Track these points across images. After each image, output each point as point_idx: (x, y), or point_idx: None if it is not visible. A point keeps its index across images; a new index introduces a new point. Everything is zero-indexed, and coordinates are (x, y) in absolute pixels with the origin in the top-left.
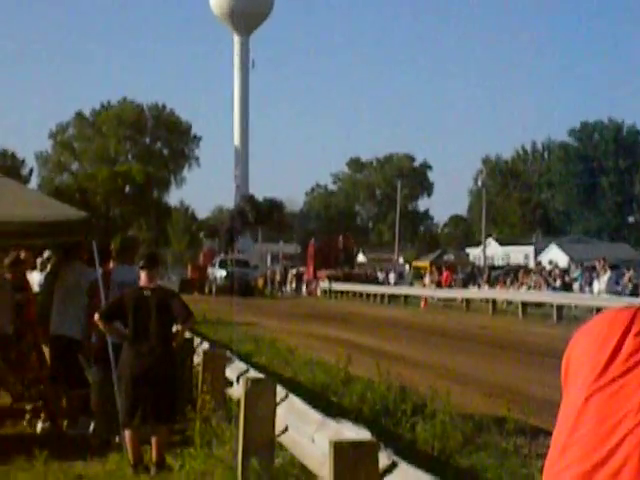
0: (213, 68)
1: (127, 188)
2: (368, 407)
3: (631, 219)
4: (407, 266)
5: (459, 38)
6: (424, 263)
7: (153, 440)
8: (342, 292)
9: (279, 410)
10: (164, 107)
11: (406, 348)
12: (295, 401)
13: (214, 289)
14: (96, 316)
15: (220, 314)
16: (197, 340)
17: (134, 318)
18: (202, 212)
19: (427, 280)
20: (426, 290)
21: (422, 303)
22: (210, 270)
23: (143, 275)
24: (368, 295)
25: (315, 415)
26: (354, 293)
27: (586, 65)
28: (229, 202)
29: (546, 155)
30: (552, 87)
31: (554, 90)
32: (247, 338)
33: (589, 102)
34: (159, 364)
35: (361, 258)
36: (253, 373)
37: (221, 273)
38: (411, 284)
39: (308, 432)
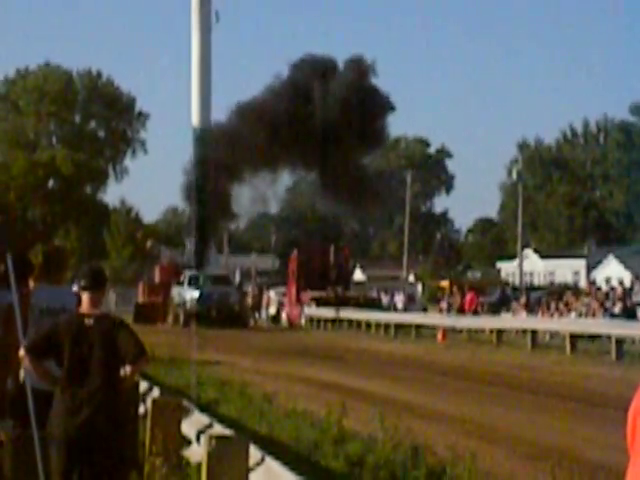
0: (164, 24)
1: (50, 182)
2: (369, 473)
3: None
4: (419, 286)
5: None
6: (442, 282)
7: None
8: (334, 320)
9: (253, 478)
10: (99, 75)
11: (418, 395)
12: (273, 466)
13: (181, 317)
14: (21, 352)
15: (174, 350)
16: (144, 385)
17: (71, 355)
18: (149, 214)
19: (445, 304)
20: (444, 318)
21: (439, 335)
22: (176, 291)
23: (85, 298)
24: (368, 325)
25: None
26: (350, 322)
27: None
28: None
29: (601, 139)
30: (608, 50)
31: (611, 54)
32: (210, 382)
33: None
34: (101, 417)
35: (359, 276)
36: (219, 429)
37: (192, 294)
38: (425, 310)
39: None
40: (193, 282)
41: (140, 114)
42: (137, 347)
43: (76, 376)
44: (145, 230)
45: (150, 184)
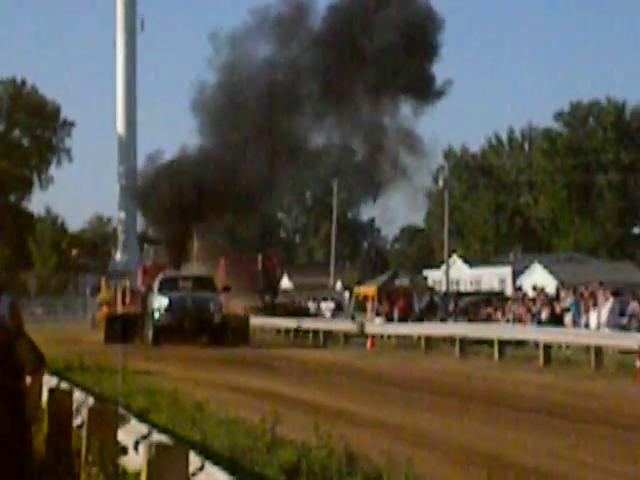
0: (89, 32)
1: None
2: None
3: (637, 230)
4: (347, 293)
5: None
6: (370, 289)
7: None
8: (262, 329)
9: None
10: (23, 83)
11: (350, 402)
12: (214, 472)
13: (150, 331)
14: None
15: (101, 358)
16: (78, 393)
17: None
18: (75, 223)
19: (371, 312)
20: (374, 326)
21: (368, 343)
22: (148, 298)
23: None
24: (297, 332)
25: None
26: (278, 330)
27: (576, 30)
28: (111, 209)
29: (526, 146)
30: (533, 57)
31: (536, 61)
32: (139, 391)
33: (581, 77)
34: (1, 429)
35: (285, 283)
36: (157, 437)
37: (161, 302)
38: (353, 318)
39: None
40: (165, 287)
41: (65, 122)
42: (35, 355)
43: None
44: (70, 239)
45: (75, 192)
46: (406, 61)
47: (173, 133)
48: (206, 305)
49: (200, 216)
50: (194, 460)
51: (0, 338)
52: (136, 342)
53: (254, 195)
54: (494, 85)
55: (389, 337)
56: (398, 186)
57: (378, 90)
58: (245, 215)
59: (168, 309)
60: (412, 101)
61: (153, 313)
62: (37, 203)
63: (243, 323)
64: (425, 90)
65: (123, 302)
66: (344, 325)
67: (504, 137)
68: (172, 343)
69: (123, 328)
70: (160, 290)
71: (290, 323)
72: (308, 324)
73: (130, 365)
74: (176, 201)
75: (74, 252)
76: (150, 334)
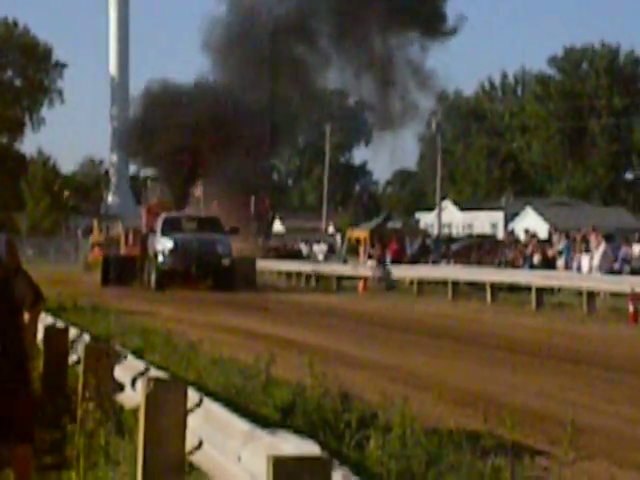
0: None
1: None
2: (300, 418)
3: (629, 175)
4: (339, 236)
5: None
6: (362, 232)
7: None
8: (262, 271)
9: (191, 420)
10: (15, 24)
11: (344, 343)
12: (213, 408)
13: (153, 275)
14: None
15: (96, 299)
16: (74, 331)
17: None
18: (67, 165)
19: (364, 255)
20: (366, 269)
21: (360, 285)
22: (150, 240)
23: None
24: (289, 274)
25: (241, 425)
26: (270, 272)
27: None
28: (103, 151)
29: (519, 91)
30: (526, 2)
31: (529, 6)
32: (132, 330)
33: (575, 21)
34: (1, 367)
35: (278, 227)
36: (155, 373)
37: (165, 244)
38: (345, 260)
39: (232, 448)
40: (168, 228)
41: (57, 64)
42: (33, 291)
43: None
44: (62, 181)
45: (67, 134)
46: None
47: (167, 74)
48: (213, 247)
49: (205, 156)
50: (192, 396)
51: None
52: (135, 285)
53: (263, 136)
54: (488, 29)
55: (380, 280)
56: (408, 122)
57: (389, 27)
58: (255, 157)
59: (173, 251)
60: (424, 39)
61: (156, 255)
62: (29, 145)
63: (250, 266)
64: (438, 28)
65: (126, 243)
66: (365, 270)
67: (497, 81)
68: (177, 287)
69: (121, 270)
70: (163, 231)
71: (304, 267)
72: (301, 267)
73: (124, 306)
74: (180, 138)
75: (66, 194)
76: (153, 278)
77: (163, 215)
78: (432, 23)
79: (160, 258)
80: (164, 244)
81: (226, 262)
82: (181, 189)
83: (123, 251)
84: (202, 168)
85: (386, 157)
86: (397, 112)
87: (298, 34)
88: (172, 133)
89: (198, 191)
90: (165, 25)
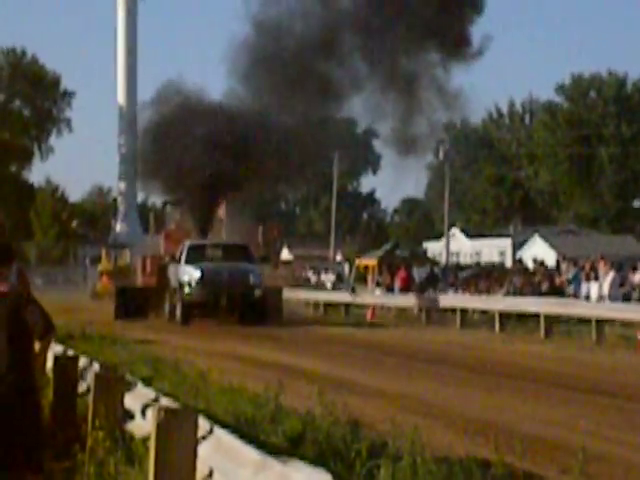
0: (89, 1)
1: None
2: (310, 448)
3: (637, 203)
4: (347, 265)
5: None
6: (370, 260)
7: None
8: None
9: (201, 449)
10: (24, 53)
11: (353, 372)
12: (223, 436)
13: (178, 308)
14: None
15: (105, 328)
16: (84, 360)
17: None
18: (75, 194)
19: (372, 283)
20: (375, 297)
21: (369, 313)
22: (171, 270)
23: None
24: (316, 304)
25: (252, 454)
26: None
27: (579, 2)
28: (111, 179)
29: (527, 119)
30: (535, 30)
31: (538, 34)
32: (142, 359)
33: (583, 50)
34: (12, 396)
35: (285, 254)
36: (165, 402)
37: (192, 274)
38: (353, 289)
39: (243, 477)
40: (193, 257)
41: (65, 93)
42: (45, 321)
43: None
44: (71, 209)
45: (75, 163)
46: (446, 18)
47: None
48: (245, 277)
49: (236, 183)
50: (203, 424)
51: (10, 304)
52: (150, 318)
53: (304, 158)
54: (495, 57)
55: (389, 309)
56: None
57: (415, 46)
58: (296, 181)
59: (200, 282)
60: (449, 59)
61: (182, 286)
62: (37, 173)
63: (277, 297)
64: (463, 49)
65: (143, 272)
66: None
67: (505, 110)
68: (204, 321)
69: (137, 302)
70: (188, 260)
71: (293, 294)
72: (310, 295)
73: (133, 334)
74: (207, 161)
75: (74, 223)
76: (179, 311)
77: (187, 242)
78: (457, 45)
79: (186, 289)
80: (190, 274)
81: (258, 293)
82: (205, 213)
83: (139, 281)
84: (227, 191)
85: (410, 183)
86: (422, 134)
87: (323, 52)
88: (193, 153)
89: (221, 212)
90: (173, 53)
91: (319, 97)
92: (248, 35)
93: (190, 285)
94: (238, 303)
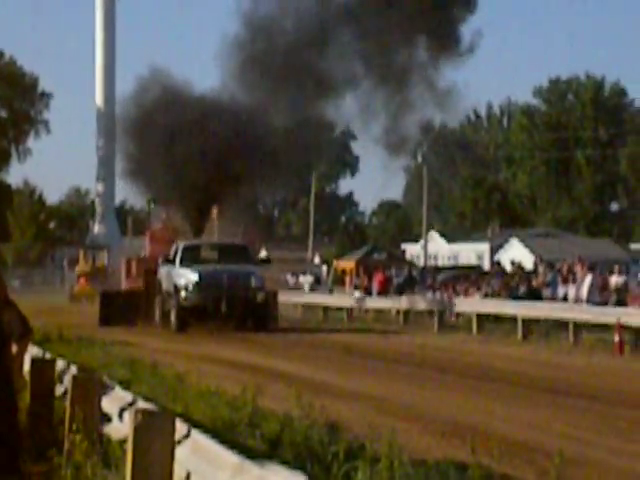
0: (67, 2)
1: None
2: (287, 450)
3: (614, 206)
4: (325, 267)
5: None
6: (348, 263)
7: None
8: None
9: (179, 452)
10: (1, 54)
11: (330, 374)
12: (201, 439)
13: (173, 314)
14: None
15: (82, 330)
16: (61, 363)
17: None
18: (53, 195)
19: (350, 286)
20: (352, 299)
21: (346, 316)
22: (164, 271)
23: None
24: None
25: (230, 457)
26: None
27: (557, 5)
28: (89, 181)
29: (505, 122)
30: (513, 33)
31: (516, 37)
32: (119, 361)
33: (560, 52)
34: None
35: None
36: (142, 404)
37: (189, 277)
38: (331, 291)
39: None
40: (188, 259)
41: (43, 94)
42: (22, 324)
43: None
44: (48, 211)
45: (53, 165)
46: (439, 15)
47: None
48: (247, 280)
49: (233, 182)
50: (180, 427)
51: None
52: (139, 325)
53: (297, 156)
54: (473, 60)
55: (366, 311)
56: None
57: (408, 43)
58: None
59: (198, 285)
60: (440, 56)
61: (177, 290)
62: (15, 175)
63: (272, 300)
64: (455, 47)
65: (128, 275)
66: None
67: (483, 112)
68: (201, 327)
69: (123, 308)
70: (183, 262)
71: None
72: (288, 298)
73: (110, 336)
74: (200, 159)
75: (52, 224)
76: (173, 317)
77: (181, 242)
78: (449, 42)
79: (183, 293)
80: (187, 277)
81: (261, 297)
82: (198, 212)
83: (125, 285)
84: (221, 190)
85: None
86: (411, 134)
87: (314, 50)
88: (182, 151)
89: (214, 212)
90: (152, 53)
91: (307, 95)
92: (238, 32)
93: (187, 289)
94: (239, 308)
